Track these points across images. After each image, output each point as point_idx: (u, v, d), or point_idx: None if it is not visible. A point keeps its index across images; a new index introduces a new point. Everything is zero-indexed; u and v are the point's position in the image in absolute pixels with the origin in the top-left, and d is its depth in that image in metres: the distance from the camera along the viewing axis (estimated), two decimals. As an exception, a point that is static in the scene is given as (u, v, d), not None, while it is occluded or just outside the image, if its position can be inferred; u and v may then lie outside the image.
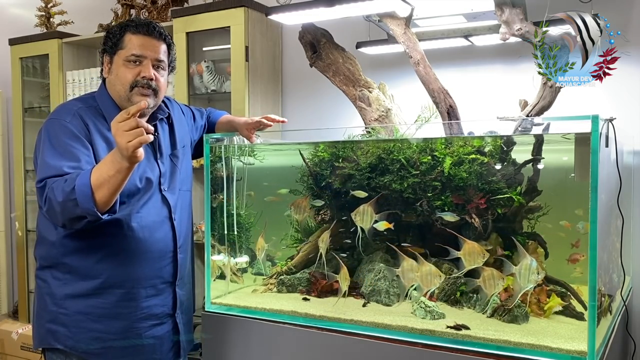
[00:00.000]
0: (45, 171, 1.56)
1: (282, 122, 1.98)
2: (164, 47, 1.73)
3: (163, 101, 1.84)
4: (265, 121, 1.94)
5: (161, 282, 1.75)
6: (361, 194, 1.88)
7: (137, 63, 1.68)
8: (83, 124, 1.65)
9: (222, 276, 2.08)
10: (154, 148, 1.78)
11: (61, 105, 1.75)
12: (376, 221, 1.82)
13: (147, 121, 1.78)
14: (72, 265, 1.67)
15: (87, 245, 1.65)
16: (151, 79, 1.68)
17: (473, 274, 1.67)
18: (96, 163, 1.60)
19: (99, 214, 1.47)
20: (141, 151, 1.41)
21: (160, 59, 1.72)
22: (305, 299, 1.92)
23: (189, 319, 1.90)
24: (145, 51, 1.68)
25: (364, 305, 1.81)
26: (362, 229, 1.83)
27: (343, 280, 1.81)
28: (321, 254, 1.91)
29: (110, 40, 1.72)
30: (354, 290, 1.90)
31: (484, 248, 1.67)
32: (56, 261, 1.69)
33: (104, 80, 1.78)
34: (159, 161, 1.77)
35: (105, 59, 1.74)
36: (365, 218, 1.82)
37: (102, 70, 1.77)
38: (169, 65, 1.77)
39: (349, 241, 1.93)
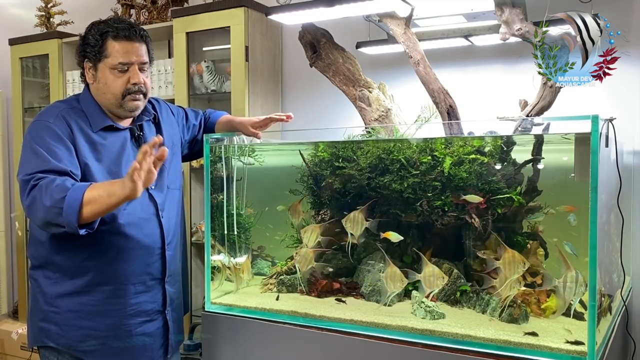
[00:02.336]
0: (31, 166, 1.56)
1: (289, 117, 1.98)
2: (144, 48, 1.73)
3: (150, 101, 1.85)
4: (276, 116, 1.95)
5: (150, 279, 1.76)
6: (475, 198, 1.74)
7: (124, 70, 1.69)
8: (66, 125, 1.66)
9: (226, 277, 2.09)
10: (140, 147, 1.78)
11: (45, 108, 1.77)
12: (366, 228, 1.83)
13: (133, 122, 1.80)
14: (61, 264, 1.69)
15: (75, 244, 1.66)
16: (141, 84, 1.70)
17: (491, 273, 1.65)
18: (79, 163, 1.62)
19: (78, 229, 1.48)
20: (142, 189, 1.44)
21: (145, 61, 1.73)
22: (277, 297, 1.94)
23: (179, 317, 1.90)
24: (131, 57, 1.69)
25: (338, 300, 1.81)
26: (352, 235, 1.85)
27: (300, 260, 1.76)
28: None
29: (92, 48, 1.70)
30: (354, 290, 1.91)
31: (524, 257, 1.60)
32: (46, 260, 1.71)
33: (87, 84, 1.77)
34: None
35: (87, 65, 1.73)
36: (356, 225, 1.83)
37: (82, 73, 1.77)
38: (150, 62, 1.77)
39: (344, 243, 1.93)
